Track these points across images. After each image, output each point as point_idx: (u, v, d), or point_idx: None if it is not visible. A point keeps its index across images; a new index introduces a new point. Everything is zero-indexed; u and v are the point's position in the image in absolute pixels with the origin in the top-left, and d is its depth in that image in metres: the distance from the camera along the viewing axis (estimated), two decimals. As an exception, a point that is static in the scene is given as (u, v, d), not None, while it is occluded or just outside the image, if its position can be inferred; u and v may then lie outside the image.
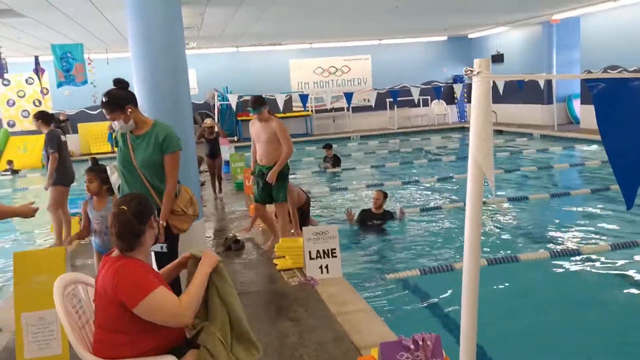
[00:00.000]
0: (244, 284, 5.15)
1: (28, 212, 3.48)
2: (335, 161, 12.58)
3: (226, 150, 12.51)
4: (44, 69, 15.21)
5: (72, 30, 12.35)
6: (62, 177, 6.60)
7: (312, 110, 20.12)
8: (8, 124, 18.45)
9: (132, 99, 3.82)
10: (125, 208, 2.46)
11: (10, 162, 15.44)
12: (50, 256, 3.65)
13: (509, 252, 6.15)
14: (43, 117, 6.64)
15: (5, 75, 13.55)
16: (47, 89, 16.68)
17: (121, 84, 3.84)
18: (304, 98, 17.89)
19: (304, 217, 6.91)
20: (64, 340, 3.56)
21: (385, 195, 7.69)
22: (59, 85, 13.81)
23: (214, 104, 18.28)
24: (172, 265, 2.82)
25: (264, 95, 6.24)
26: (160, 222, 3.36)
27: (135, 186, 3.82)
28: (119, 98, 3.73)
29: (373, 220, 7.55)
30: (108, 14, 10.54)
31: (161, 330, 2.42)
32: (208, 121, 10.12)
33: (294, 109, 19.74)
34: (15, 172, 15.38)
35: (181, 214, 3.84)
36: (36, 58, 14.87)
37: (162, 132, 3.75)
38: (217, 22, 12.71)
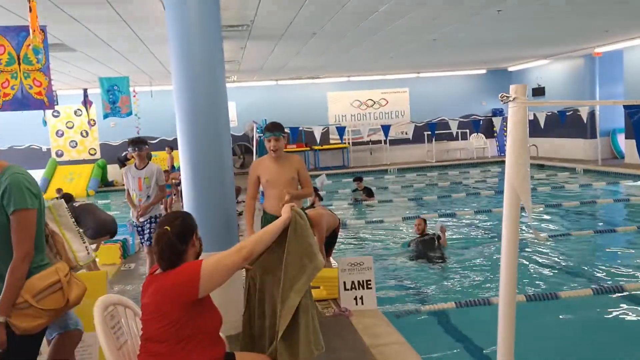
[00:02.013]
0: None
1: None
2: (368, 193, 12.53)
3: (264, 181, 12.67)
4: (92, 101, 15.83)
5: (119, 64, 12.88)
6: None
7: (349, 143, 20.22)
8: (56, 153, 19.18)
9: None
10: (168, 228, 2.52)
11: (59, 191, 15.97)
12: (92, 279, 3.74)
13: (549, 288, 5.97)
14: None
15: (56, 107, 14.16)
16: (94, 120, 17.32)
17: None
18: (341, 130, 18.04)
19: (331, 243, 6.72)
20: (101, 363, 3.62)
21: (424, 221, 8.14)
22: (105, 116, 14.33)
23: (253, 136, 18.59)
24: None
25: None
26: None
27: None
28: None
29: (420, 245, 7.75)
30: (153, 49, 10.96)
31: (204, 344, 2.50)
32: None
33: (331, 141, 19.88)
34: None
35: (23, 307, 2.63)
36: (85, 90, 15.52)
37: (4, 182, 2.65)
38: (257, 56, 13.03)
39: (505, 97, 1.67)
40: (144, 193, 6.11)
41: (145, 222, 6.16)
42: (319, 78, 20.18)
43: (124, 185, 6.46)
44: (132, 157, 6.29)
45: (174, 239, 2.50)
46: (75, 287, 2.89)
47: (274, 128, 4.58)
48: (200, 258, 2.65)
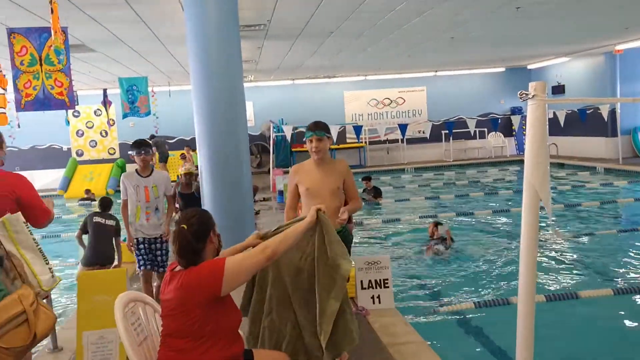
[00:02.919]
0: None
1: (50, 202, 3.63)
2: (376, 193, 12.47)
3: (280, 181, 12.74)
4: (111, 101, 16.00)
5: (138, 64, 13.01)
6: None
7: (365, 142, 20.18)
8: (77, 153, 19.43)
9: None
10: (185, 227, 2.55)
11: (88, 191, 16.18)
12: (112, 277, 3.79)
13: (569, 288, 5.90)
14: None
15: (76, 107, 14.36)
16: (113, 120, 17.52)
17: None
18: (357, 129, 18.00)
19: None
20: (121, 359, 3.67)
21: (435, 224, 8.11)
22: (124, 116, 14.50)
23: (270, 136, 18.67)
24: (239, 246, 3.00)
25: None
26: None
27: None
28: None
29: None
30: (172, 49, 11.05)
31: (223, 341, 2.53)
32: (184, 167, 7.31)
33: (348, 140, 19.85)
34: (92, 200, 16.04)
35: None
36: (104, 91, 15.71)
37: None
38: (274, 55, 13.07)
39: (524, 95, 1.66)
40: (152, 205, 5.04)
41: (156, 242, 5.12)
42: (336, 77, 20.18)
43: None
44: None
45: (191, 237, 2.53)
46: (43, 318, 2.45)
47: (315, 127, 3.87)
48: (219, 255, 2.68)
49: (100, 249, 6.06)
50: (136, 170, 5.11)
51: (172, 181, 5.58)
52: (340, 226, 3.64)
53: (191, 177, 7.04)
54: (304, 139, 3.98)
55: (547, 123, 1.67)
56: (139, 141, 5.07)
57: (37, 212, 3.29)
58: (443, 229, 8.07)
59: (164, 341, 2.56)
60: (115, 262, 6.28)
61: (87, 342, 3.64)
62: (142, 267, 5.14)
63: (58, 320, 4.93)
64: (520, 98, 1.69)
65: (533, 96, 1.63)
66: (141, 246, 5.10)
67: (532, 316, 1.84)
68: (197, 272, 2.50)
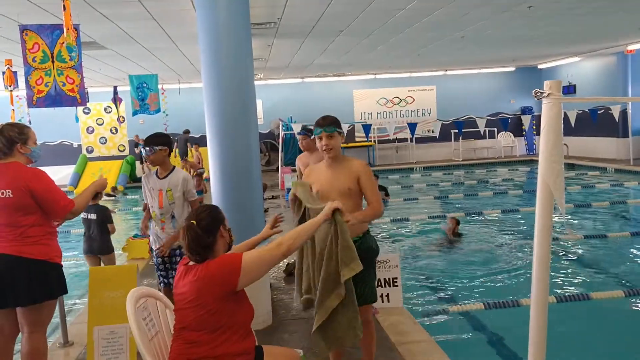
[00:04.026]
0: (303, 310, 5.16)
1: (103, 184, 3.78)
2: (383, 191, 12.43)
3: (289, 179, 12.75)
4: (122, 98, 16.08)
5: (148, 62, 13.06)
6: None
7: (374, 141, 20.16)
8: (87, 149, 19.55)
9: None
10: (194, 222, 2.58)
11: (114, 189, 16.28)
12: (122, 272, 3.82)
13: (579, 289, 5.87)
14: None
15: (87, 104, 14.43)
16: (123, 117, 17.61)
17: None
18: (366, 128, 17.98)
19: None
20: (131, 355, 3.69)
21: (457, 222, 8.45)
22: (134, 113, 14.56)
23: (279, 134, 18.68)
24: (252, 240, 3.13)
25: None
26: None
27: None
28: None
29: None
30: (182, 47, 11.09)
31: (236, 335, 2.56)
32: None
33: (357, 139, 19.82)
34: (113, 195, 16.11)
35: None
36: (115, 88, 15.80)
37: None
38: (284, 53, 13.08)
39: (539, 93, 1.65)
40: (167, 212, 4.36)
41: (175, 254, 4.41)
42: (345, 75, 20.16)
43: None
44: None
45: (201, 232, 2.55)
46: None
47: (324, 122, 3.46)
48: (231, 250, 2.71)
49: (89, 241, 6.12)
50: (157, 170, 4.51)
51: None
52: (361, 233, 3.43)
53: None
54: (312, 136, 3.76)
55: (567, 125, 1.67)
56: (147, 138, 4.48)
57: (49, 205, 3.35)
58: (447, 226, 8.43)
59: (177, 335, 2.58)
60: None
61: (98, 337, 3.67)
62: (162, 285, 4.53)
63: (67, 315, 4.97)
64: (535, 97, 1.68)
65: (548, 95, 1.62)
66: (159, 259, 4.44)
67: (545, 317, 1.83)
68: (215, 266, 2.53)
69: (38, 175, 3.38)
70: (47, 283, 3.37)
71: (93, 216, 6.09)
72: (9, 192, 3.27)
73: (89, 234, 6.13)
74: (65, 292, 3.57)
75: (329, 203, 2.93)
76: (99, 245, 6.09)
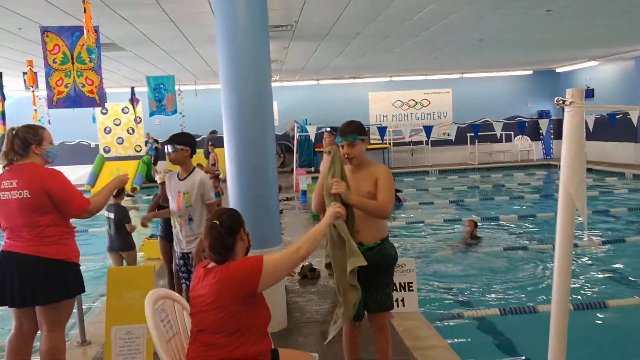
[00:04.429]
0: (318, 313, 5.17)
1: (123, 180, 3.83)
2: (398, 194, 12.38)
3: (303, 181, 12.77)
4: (139, 99, 16.22)
5: (166, 63, 13.17)
6: None
7: (389, 143, 20.11)
8: (104, 149, 19.75)
9: None
10: (217, 222, 2.62)
11: (134, 189, 16.44)
12: (140, 273, 3.85)
13: (596, 297, 5.80)
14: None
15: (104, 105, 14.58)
16: (140, 118, 17.77)
17: None
18: (382, 130, 17.95)
19: None
20: (148, 355, 3.73)
21: (475, 224, 8.52)
22: (151, 114, 14.68)
23: (293, 135, 18.72)
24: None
25: None
26: None
27: None
28: None
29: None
30: (199, 48, 11.16)
31: (254, 338, 2.59)
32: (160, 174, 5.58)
33: (372, 141, 19.80)
34: (132, 195, 16.25)
35: None
36: (132, 89, 15.94)
37: None
38: (300, 56, 13.11)
39: (561, 101, 1.64)
40: (184, 214, 4.32)
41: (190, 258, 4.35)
42: (360, 78, 20.14)
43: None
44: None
45: (223, 231, 2.60)
46: None
47: (345, 131, 3.43)
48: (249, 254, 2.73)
49: (110, 239, 6.37)
50: (178, 171, 4.49)
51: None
52: (379, 240, 3.40)
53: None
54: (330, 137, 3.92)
55: (585, 130, 1.65)
56: (171, 136, 4.48)
57: (64, 205, 3.40)
58: (465, 228, 8.48)
59: (195, 337, 2.59)
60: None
61: (115, 337, 3.70)
62: (184, 286, 4.51)
63: (85, 314, 5.02)
64: (557, 105, 1.67)
65: (570, 103, 1.61)
66: (180, 262, 4.43)
67: (565, 326, 1.82)
68: (235, 267, 2.56)
69: (54, 175, 3.42)
70: (65, 282, 3.41)
71: (111, 215, 6.26)
72: (26, 192, 3.32)
73: (109, 232, 6.33)
74: (83, 290, 3.61)
75: (331, 206, 3.01)
76: (119, 242, 6.30)
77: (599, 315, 5.29)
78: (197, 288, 2.61)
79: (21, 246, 3.36)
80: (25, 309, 3.45)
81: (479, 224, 8.90)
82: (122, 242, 6.29)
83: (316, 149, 19.19)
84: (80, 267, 3.58)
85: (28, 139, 3.45)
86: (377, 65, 16.22)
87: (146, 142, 19.20)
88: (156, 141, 19.07)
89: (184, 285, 4.53)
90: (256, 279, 2.52)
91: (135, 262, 6.54)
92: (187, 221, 4.34)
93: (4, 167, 3.47)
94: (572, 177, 1.61)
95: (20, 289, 3.34)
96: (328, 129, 6.10)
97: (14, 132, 3.47)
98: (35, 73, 9.50)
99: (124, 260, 6.36)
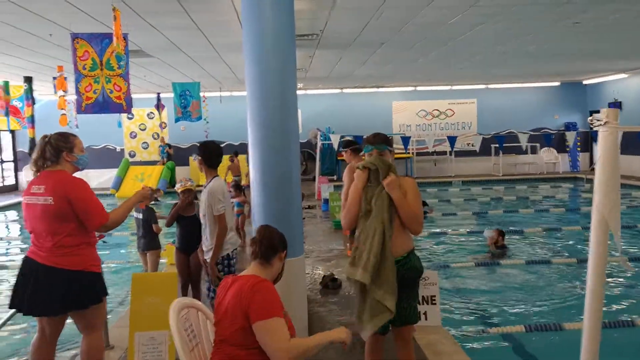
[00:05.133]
0: (340, 324, 5.14)
1: (145, 195, 3.91)
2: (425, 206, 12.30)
3: (325, 189, 12.76)
4: (164, 105, 16.44)
5: (191, 70, 13.32)
6: None
7: (413, 153, 20.01)
8: (129, 154, 20.03)
9: None
10: (269, 226, 2.83)
11: (157, 191, 16.62)
12: (163, 280, 3.88)
13: (625, 314, 5.66)
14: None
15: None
16: (165, 124, 17.99)
17: None
18: (405, 140, 17.87)
19: None
20: (170, 362, 3.74)
21: (500, 233, 8.57)
22: (177, 120, 14.85)
23: (316, 143, 18.75)
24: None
25: (365, 137, 3.87)
26: None
27: None
28: None
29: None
30: (225, 56, 11.27)
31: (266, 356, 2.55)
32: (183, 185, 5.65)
33: (395, 150, 19.74)
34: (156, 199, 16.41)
35: None
36: (158, 95, 16.14)
37: None
38: (324, 64, 13.14)
39: (595, 121, 1.61)
40: (204, 223, 4.49)
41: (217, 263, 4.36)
42: (384, 87, 20.11)
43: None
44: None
45: (275, 235, 2.73)
46: None
47: (375, 140, 3.45)
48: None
49: (138, 239, 6.73)
50: None
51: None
52: (406, 252, 3.41)
53: (190, 194, 5.55)
54: (361, 153, 3.80)
55: (619, 150, 1.62)
56: (201, 143, 4.56)
57: (84, 216, 3.42)
58: (489, 234, 8.62)
59: (217, 348, 2.59)
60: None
61: (139, 342, 3.73)
62: (209, 297, 4.57)
63: (109, 318, 5.07)
64: (591, 125, 1.64)
65: (605, 123, 1.58)
66: (207, 283, 4.50)
67: (597, 347, 1.77)
68: (249, 287, 2.53)
69: (79, 184, 3.47)
70: (83, 291, 3.45)
71: (140, 216, 6.58)
72: (50, 199, 3.37)
73: (138, 232, 6.67)
74: (106, 294, 3.65)
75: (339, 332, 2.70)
76: (145, 242, 6.60)
77: (626, 333, 5.16)
78: (221, 294, 2.62)
79: (41, 255, 3.42)
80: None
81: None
82: (148, 242, 6.60)
83: (338, 158, 19.18)
84: (102, 273, 3.64)
85: (60, 146, 3.52)
86: (402, 74, 16.19)
87: (160, 146, 19.42)
88: (168, 145, 19.25)
89: (212, 292, 4.49)
90: (262, 316, 2.45)
91: (157, 261, 6.77)
92: (205, 230, 4.44)
93: (34, 173, 3.54)
94: (606, 199, 1.58)
95: (31, 297, 3.40)
96: (349, 138, 6.11)
97: (46, 139, 3.54)
98: (65, 78, 9.69)
99: (148, 259, 6.65)
